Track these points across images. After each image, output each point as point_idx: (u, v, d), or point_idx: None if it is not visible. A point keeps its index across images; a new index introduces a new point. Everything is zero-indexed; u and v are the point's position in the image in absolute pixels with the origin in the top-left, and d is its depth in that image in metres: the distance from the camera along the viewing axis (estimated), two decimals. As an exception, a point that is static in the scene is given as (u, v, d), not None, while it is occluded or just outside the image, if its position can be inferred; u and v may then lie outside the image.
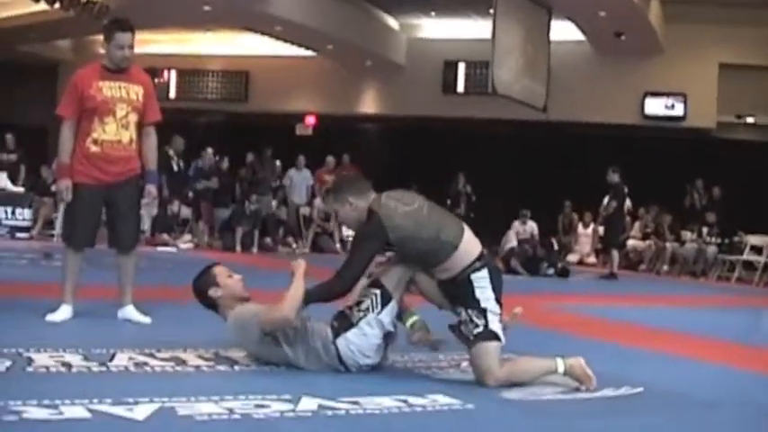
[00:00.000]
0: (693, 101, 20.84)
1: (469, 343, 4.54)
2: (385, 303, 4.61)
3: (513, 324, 4.87)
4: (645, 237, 18.98)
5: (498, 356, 4.53)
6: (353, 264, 4.65)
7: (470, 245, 4.72)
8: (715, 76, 20.78)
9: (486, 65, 18.43)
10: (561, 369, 4.50)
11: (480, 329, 4.51)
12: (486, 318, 4.53)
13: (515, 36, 18.16)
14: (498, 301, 4.64)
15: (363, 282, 4.73)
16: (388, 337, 4.69)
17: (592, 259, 19.40)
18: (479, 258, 4.68)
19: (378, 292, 4.63)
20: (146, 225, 14.49)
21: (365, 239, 4.71)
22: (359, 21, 20.95)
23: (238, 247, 15.88)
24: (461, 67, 22.65)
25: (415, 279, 4.75)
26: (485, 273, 4.64)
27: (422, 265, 4.73)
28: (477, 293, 4.58)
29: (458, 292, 4.64)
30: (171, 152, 15.50)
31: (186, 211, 16.69)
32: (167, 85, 23.84)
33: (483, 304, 4.56)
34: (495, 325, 4.55)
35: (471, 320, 4.54)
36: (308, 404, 3.84)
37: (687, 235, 18.41)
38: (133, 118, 5.97)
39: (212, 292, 4.83)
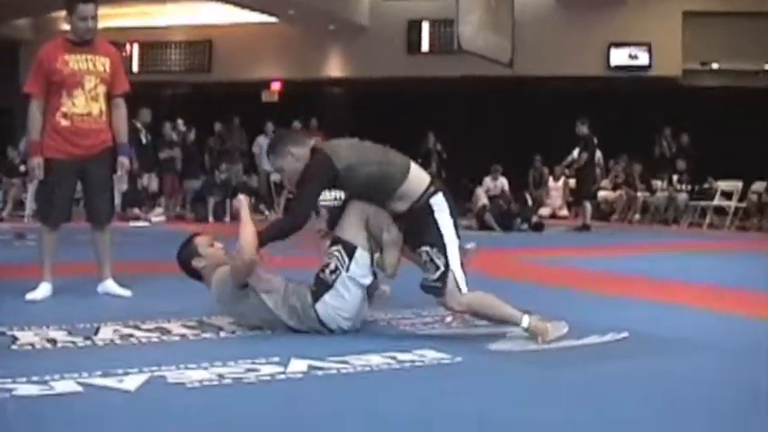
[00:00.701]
0: (658, 50, 20.88)
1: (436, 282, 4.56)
2: (350, 255, 4.56)
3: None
4: (615, 187, 19.09)
5: (462, 284, 4.53)
6: (303, 199, 4.65)
7: (420, 172, 4.75)
8: (679, 25, 20.79)
9: (449, 23, 18.42)
10: (525, 324, 4.48)
11: (442, 269, 4.50)
12: (446, 255, 4.52)
13: (479, -8, 18.12)
14: (456, 228, 4.65)
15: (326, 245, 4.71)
16: (370, 287, 4.69)
17: (564, 212, 19.51)
18: (432, 185, 4.68)
19: (339, 247, 4.59)
20: (116, 200, 14.39)
21: (313, 172, 4.65)
22: (320, -17, 20.80)
23: (211, 218, 15.85)
24: (425, 26, 22.51)
25: (370, 223, 4.67)
26: (440, 197, 4.65)
27: (377, 196, 4.66)
28: (439, 220, 4.58)
29: (419, 225, 4.61)
30: (138, 125, 15.37)
31: (156, 184, 16.63)
32: (130, 58, 23.58)
33: (445, 238, 4.55)
34: (455, 261, 4.55)
35: (432, 260, 4.52)
36: (298, 366, 3.84)
37: (657, 184, 18.52)
38: (102, 90, 5.91)
39: (196, 263, 4.81)
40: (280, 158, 4.78)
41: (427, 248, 4.53)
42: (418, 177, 4.68)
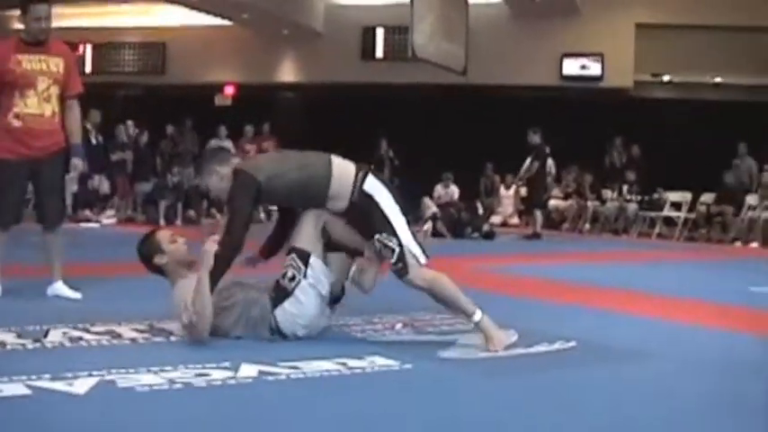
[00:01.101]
0: (610, 61, 21.06)
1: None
2: (306, 263, 4.57)
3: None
4: (566, 196, 19.25)
5: (420, 256, 4.58)
6: (234, 218, 4.65)
7: (343, 163, 4.75)
8: (632, 36, 20.98)
9: (404, 30, 18.41)
10: (477, 318, 4.49)
11: (397, 250, 4.53)
12: (396, 235, 4.54)
13: (434, 0, 18.17)
14: (396, 202, 4.66)
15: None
16: (333, 300, 4.70)
17: (515, 220, 19.63)
18: (358, 171, 4.68)
19: (294, 256, 4.61)
20: (67, 201, 14.29)
21: (237, 191, 4.67)
22: (275, -12, 20.76)
23: (162, 221, 15.77)
24: (380, 33, 22.53)
25: (329, 230, 4.67)
26: (372, 179, 4.67)
27: (310, 202, 4.68)
28: (381, 203, 4.59)
29: (364, 216, 4.62)
30: (89, 126, 15.25)
31: (107, 186, 16.53)
32: (83, 59, 23.36)
33: (390, 219, 4.57)
34: (406, 236, 4.57)
35: (386, 246, 4.54)
36: (249, 371, 3.85)
37: (608, 193, 18.68)
38: (55, 91, 5.87)
39: (158, 260, 4.78)
40: (206, 177, 4.89)
41: (377, 236, 4.55)
42: (343, 170, 4.69)
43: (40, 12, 5.80)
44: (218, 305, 4.51)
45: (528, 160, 15.47)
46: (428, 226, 14.74)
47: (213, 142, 18.49)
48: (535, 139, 14.99)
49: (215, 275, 4.46)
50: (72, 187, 14.30)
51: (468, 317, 4.53)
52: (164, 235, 4.91)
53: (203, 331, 4.39)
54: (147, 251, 4.83)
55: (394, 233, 4.54)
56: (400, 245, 4.52)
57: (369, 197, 4.60)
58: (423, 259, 4.57)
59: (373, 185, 4.64)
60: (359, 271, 4.65)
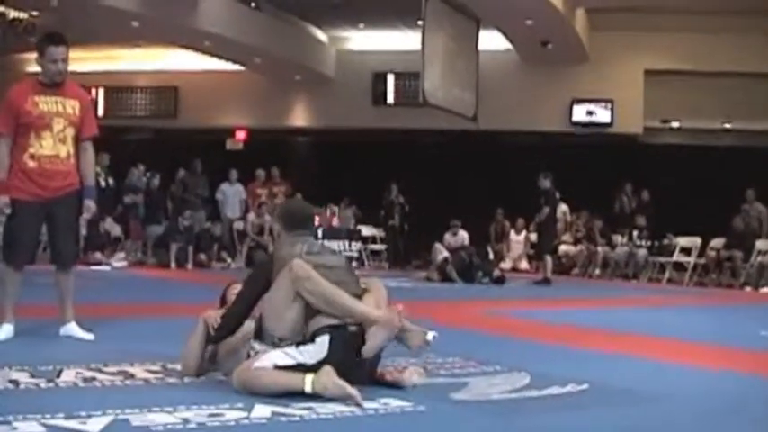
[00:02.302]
0: (620, 107, 21.18)
1: None
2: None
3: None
4: (576, 242, 19.25)
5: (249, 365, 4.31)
6: (236, 304, 4.73)
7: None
8: (641, 83, 21.13)
9: (415, 76, 18.55)
10: (309, 388, 4.13)
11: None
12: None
13: (444, 47, 18.29)
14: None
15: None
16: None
17: (524, 265, 19.62)
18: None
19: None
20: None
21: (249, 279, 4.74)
22: (287, 34, 20.93)
23: (173, 264, 15.80)
24: (391, 79, 22.75)
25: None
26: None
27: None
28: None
29: None
30: (98, 169, 15.33)
31: (118, 229, 16.60)
32: (95, 102, 23.54)
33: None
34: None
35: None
36: (262, 411, 3.84)
37: (618, 239, 18.69)
38: (70, 132, 5.93)
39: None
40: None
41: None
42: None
43: (56, 55, 5.87)
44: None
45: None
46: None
47: (224, 186, 18.57)
48: (545, 183, 14.99)
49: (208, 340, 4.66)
50: (81, 230, 14.34)
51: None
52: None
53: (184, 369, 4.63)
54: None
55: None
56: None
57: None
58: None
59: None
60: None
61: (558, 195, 15.50)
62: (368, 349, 4.28)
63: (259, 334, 4.49)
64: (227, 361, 4.64)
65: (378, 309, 4.38)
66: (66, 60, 5.92)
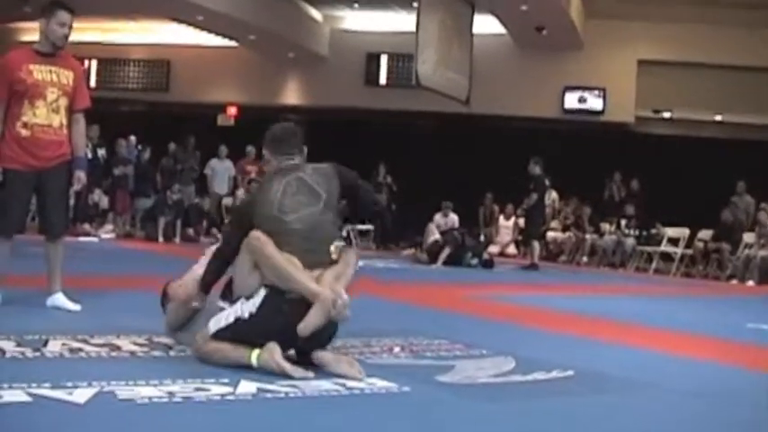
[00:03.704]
0: (612, 96, 21.20)
1: None
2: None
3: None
4: (565, 228, 19.28)
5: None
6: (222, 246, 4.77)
7: None
8: (634, 72, 21.15)
9: (408, 57, 18.55)
10: (255, 362, 4.19)
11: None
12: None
13: (439, 29, 18.26)
14: None
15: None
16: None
17: (511, 250, 19.63)
18: None
19: None
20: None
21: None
22: (282, 12, 20.86)
23: (161, 238, 15.79)
24: (384, 60, 22.71)
25: None
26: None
27: None
28: None
29: None
30: (87, 140, 15.31)
31: (105, 201, 16.58)
32: (88, 74, 23.46)
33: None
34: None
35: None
36: (247, 387, 3.85)
37: (606, 227, 18.73)
38: (63, 102, 5.91)
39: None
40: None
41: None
42: None
43: (65, 18, 5.87)
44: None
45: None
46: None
47: (214, 161, 18.55)
48: (536, 169, 14.99)
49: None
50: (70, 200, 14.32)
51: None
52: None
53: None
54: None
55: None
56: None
57: None
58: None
59: None
60: None
61: (547, 182, 15.50)
62: (302, 327, 4.18)
63: (226, 293, 4.56)
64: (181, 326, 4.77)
65: (327, 285, 4.28)
66: (71, 28, 5.92)
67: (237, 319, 4.30)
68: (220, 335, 4.30)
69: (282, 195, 4.50)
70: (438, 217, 17.30)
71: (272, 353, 4.15)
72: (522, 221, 18.12)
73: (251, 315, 4.28)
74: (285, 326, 4.20)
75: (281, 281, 4.27)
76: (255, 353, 4.18)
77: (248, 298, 4.33)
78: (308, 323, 4.16)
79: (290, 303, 4.25)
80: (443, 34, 18.46)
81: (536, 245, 15.49)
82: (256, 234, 4.37)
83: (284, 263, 4.28)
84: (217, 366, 4.19)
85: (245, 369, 4.14)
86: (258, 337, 4.21)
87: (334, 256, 4.49)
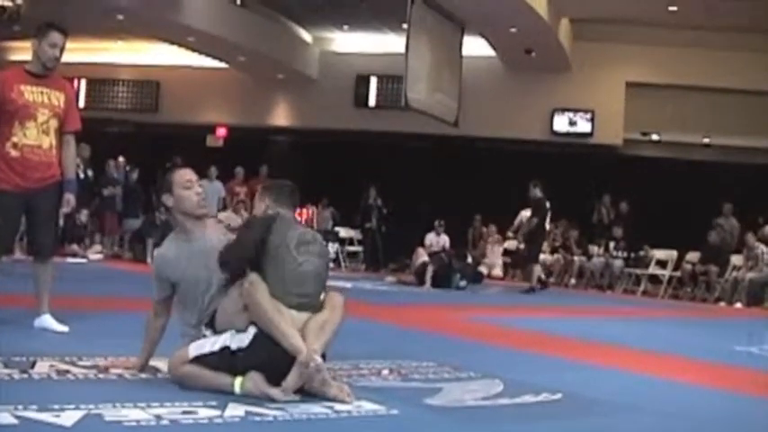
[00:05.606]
0: (601, 118, 21.22)
1: None
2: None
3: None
4: (553, 251, 19.29)
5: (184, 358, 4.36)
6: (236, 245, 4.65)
7: None
8: (622, 94, 21.18)
9: (397, 79, 18.56)
10: (238, 390, 4.19)
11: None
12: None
13: (428, 51, 18.28)
14: None
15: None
16: None
17: (497, 272, 19.61)
18: None
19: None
20: (55, 235, 14.30)
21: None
22: (271, 33, 20.93)
23: (149, 259, 15.72)
24: (373, 81, 22.74)
25: None
26: None
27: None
28: None
29: None
30: (78, 160, 15.27)
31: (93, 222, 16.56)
32: (77, 93, 23.43)
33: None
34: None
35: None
36: (235, 410, 3.84)
37: (594, 249, 18.75)
38: (54, 124, 5.91)
39: (165, 199, 4.83)
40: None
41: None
42: None
43: (57, 39, 5.90)
44: None
45: (526, 213, 15.42)
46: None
47: (203, 182, 18.47)
48: (536, 192, 14.95)
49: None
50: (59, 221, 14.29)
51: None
52: (180, 176, 4.89)
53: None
54: (161, 187, 4.82)
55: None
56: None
57: None
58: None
59: None
60: None
61: (548, 205, 15.37)
62: (283, 389, 4.12)
63: (211, 322, 4.51)
64: None
65: (310, 337, 4.23)
66: (62, 50, 5.93)
67: (224, 349, 4.27)
68: (202, 360, 4.28)
69: (301, 236, 4.54)
70: (431, 236, 17.30)
71: (256, 381, 4.15)
72: (510, 244, 18.14)
73: (239, 349, 4.25)
74: (273, 366, 4.17)
75: (267, 330, 4.23)
76: (239, 380, 4.17)
77: (238, 331, 4.30)
78: (289, 384, 4.12)
79: (280, 347, 4.20)
80: (433, 56, 18.49)
81: (537, 268, 15.46)
82: (251, 278, 4.35)
83: (271, 311, 4.24)
84: (192, 390, 4.18)
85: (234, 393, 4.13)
86: (245, 370, 4.20)
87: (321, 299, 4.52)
